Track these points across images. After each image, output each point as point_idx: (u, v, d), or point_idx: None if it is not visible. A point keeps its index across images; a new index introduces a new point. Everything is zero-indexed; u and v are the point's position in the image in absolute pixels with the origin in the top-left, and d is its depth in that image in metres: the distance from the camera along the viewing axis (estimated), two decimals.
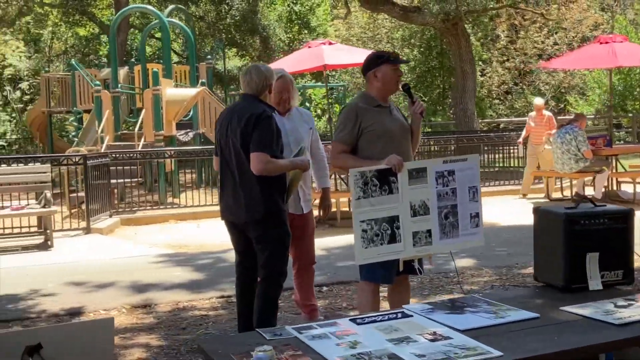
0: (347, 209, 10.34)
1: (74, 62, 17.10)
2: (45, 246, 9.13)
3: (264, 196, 4.42)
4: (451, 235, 4.07)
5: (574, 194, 11.49)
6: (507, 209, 11.19)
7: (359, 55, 10.74)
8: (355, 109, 4.31)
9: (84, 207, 10.68)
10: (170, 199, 12.87)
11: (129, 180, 12.14)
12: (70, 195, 11.79)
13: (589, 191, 11.58)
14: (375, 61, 4.33)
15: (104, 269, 7.68)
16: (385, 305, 4.89)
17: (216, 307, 6.17)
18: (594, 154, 10.90)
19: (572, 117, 11.97)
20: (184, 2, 21.97)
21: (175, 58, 25.82)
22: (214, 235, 9.72)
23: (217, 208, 11.59)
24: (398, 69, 4.34)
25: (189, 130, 15.54)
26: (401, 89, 4.42)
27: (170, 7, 18.67)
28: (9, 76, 27.92)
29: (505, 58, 28.85)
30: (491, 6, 21.07)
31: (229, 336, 4.80)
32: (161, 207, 12.02)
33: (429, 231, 4.02)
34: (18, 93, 28.38)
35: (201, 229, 10.48)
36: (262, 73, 4.56)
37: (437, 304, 3.42)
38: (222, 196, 4.67)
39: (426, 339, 2.86)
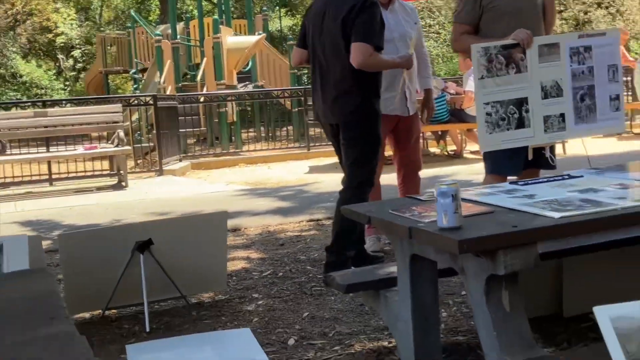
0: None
1: (133, 14, 16.91)
2: (119, 187, 8.91)
3: (357, 93, 3.99)
4: (588, 120, 3.66)
5: None
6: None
7: None
8: None
9: (148, 157, 10.52)
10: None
11: (190, 130, 11.90)
12: (135, 146, 11.62)
13: None
14: None
15: (185, 203, 7.44)
16: None
17: (308, 229, 5.87)
18: None
19: None
20: None
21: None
22: (289, 175, 9.47)
23: (287, 152, 11.46)
24: None
25: (247, 82, 15.26)
26: None
27: None
28: (62, 44, 28.01)
29: (563, 7, 27.90)
30: None
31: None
32: (230, 150, 11.77)
33: (562, 115, 3.61)
34: (71, 61, 28.51)
35: (273, 170, 10.20)
36: None
37: (605, 169, 3.02)
38: (314, 96, 4.25)
39: (616, 188, 2.48)
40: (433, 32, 25.09)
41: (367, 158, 4.08)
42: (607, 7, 25.90)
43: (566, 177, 2.81)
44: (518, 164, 3.79)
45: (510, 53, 3.53)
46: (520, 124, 3.54)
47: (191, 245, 3.68)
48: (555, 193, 2.47)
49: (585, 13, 26.90)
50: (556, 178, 2.79)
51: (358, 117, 4.02)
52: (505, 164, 3.79)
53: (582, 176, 2.79)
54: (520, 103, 3.53)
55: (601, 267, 3.23)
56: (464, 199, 2.44)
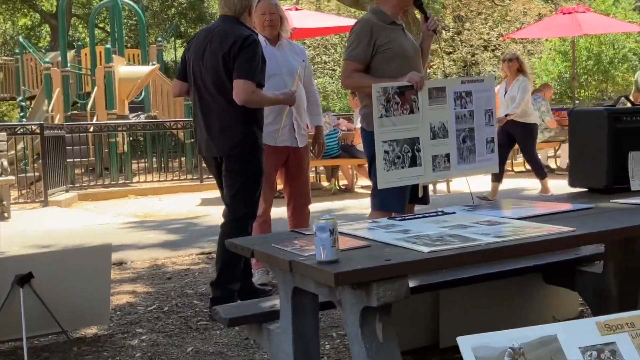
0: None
1: (22, 40, 16.42)
2: (1, 218, 8.58)
3: (240, 126, 4.03)
4: (468, 161, 3.87)
5: None
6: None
7: (330, 20, 10.51)
8: (370, 25, 3.99)
9: (33, 188, 10.19)
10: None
11: (79, 160, 11.61)
12: (19, 175, 11.21)
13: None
14: None
15: (69, 235, 7.25)
16: None
17: (197, 262, 5.85)
18: (558, 124, 10.92)
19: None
20: None
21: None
22: (179, 207, 9.39)
23: (179, 183, 11.30)
24: None
25: (140, 112, 15.06)
26: (413, 4, 4.19)
27: None
28: None
29: (451, 49, 29.09)
30: None
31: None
32: (119, 181, 11.54)
33: (447, 155, 3.80)
34: None
35: (164, 202, 10.09)
36: None
37: (476, 205, 3.21)
38: (197, 128, 4.25)
39: (483, 224, 2.64)
40: (329, 69, 25.60)
41: (249, 190, 4.11)
42: (492, 50, 27.24)
43: (440, 213, 2.96)
44: (404, 200, 3.96)
45: (405, 94, 3.69)
46: (413, 162, 3.69)
47: (73, 279, 3.61)
48: (428, 228, 2.60)
49: (473, 55, 28.18)
50: (431, 214, 2.93)
51: (241, 150, 4.05)
52: (394, 201, 3.93)
53: (454, 213, 2.95)
54: (413, 142, 3.69)
55: (475, 299, 3.41)
56: (343, 233, 2.54)
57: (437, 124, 3.76)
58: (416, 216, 2.93)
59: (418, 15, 4.24)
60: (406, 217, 2.94)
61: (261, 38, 4.65)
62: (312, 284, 2.39)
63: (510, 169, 11.91)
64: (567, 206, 2.94)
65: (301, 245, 2.47)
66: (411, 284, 2.71)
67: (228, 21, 4.11)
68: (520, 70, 7.96)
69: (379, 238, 2.49)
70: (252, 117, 4.07)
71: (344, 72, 4.09)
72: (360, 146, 9.32)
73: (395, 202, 3.95)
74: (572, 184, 3.44)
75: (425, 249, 2.25)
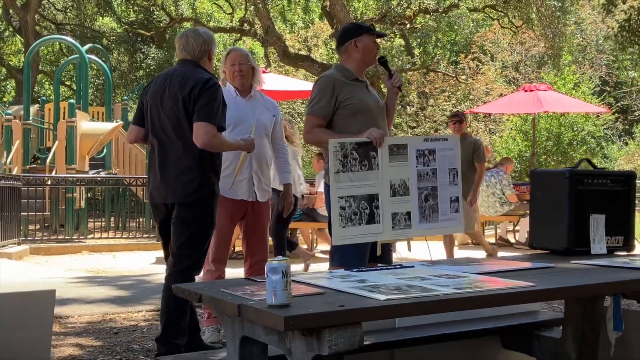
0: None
1: None
2: None
3: (197, 172, 3.91)
4: (430, 220, 3.77)
5: (497, 237, 11.53)
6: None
7: (297, 84, 10.56)
8: (332, 81, 3.97)
9: None
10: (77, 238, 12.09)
11: (33, 213, 11.36)
12: None
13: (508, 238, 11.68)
14: (356, 31, 4.07)
15: (16, 288, 6.97)
16: None
17: (147, 319, 5.65)
18: (518, 198, 11.00)
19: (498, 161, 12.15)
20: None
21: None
22: (133, 265, 9.16)
23: (135, 241, 11.08)
24: (376, 42, 4.12)
25: (100, 169, 14.88)
26: (378, 62, 4.19)
27: (88, 45, 18.09)
28: None
29: (415, 124, 29.56)
30: (408, 67, 21.57)
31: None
32: (74, 237, 11.27)
33: (408, 213, 3.72)
34: None
35: (118, 260, 9.84)
36: (200, 36, 4.08)
37: (436, 262, 3.13)
38: (151, 174, 4.11)
39: (442, 277, 2.56)
40: None
41: (197, 241, 3.97)
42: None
43: (398, 267, 2.88)
44: (364, 257, 3.85)
45: (364, 150, 3.63)
46: (371, 219, 3.60)
47: (11, 326, 3.42)
48: (385, 279, 2.52)
49: (436, 130, 28.64)
50: (389, 267, 2.86)
51: (196, 197, 3.93)
52: (354, 258, 3.79)
53: (413, 266, 2.87)
54: (372, 199, 3.60)
55: (433, 358, 3.30)
56: (297, 281, 2.44)
57: (398, 181, 3.69)
58: (373, 268, 2.85)
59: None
60: (363, 270, 2.85)
61: (231, 88, 4.60)
62: (262, 331, 2.28)
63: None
64: (527, 264, 2.88)
65: (252, 291, 2.36)
66: (366, 341, 2.61)
67: (187, 64, 4.05)
68: None
69: (333, 286, 2.40)
70: (210, 164, 3.97)
71: (306, 127, 4.04)
72: (321, 209, 9.30)
73: (355, 259, 3.83)
74: (532, 245, 3.40)
75: (382, 297, 2.16)
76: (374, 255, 3.94)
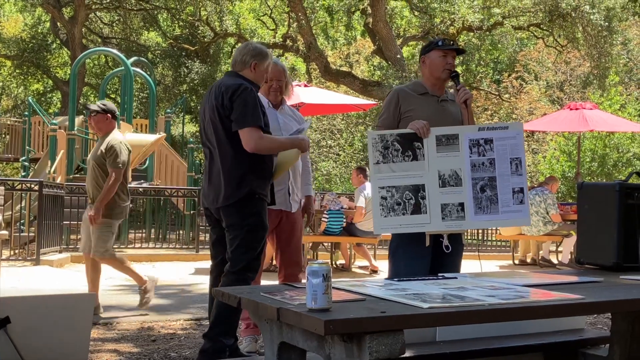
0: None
1: (31, 101, 16.54)
2: None
3: (242, 177, 3.95)
4: (489, 211, 3.63)
5: (539, 258, 11.31)
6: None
7: (338, 97, 10.55)
8: (397, 93, 3.97)
9: (26, 248, 10.04)
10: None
11: (76, 222, 11.47)
12: (14, 234, 11.06)
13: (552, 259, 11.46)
14: (426, 47, 4.05)
15: (56, 292, 7.04)
16: None
17: (186, 327, 5.65)
18: (562, 218, 10.80)
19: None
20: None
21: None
22: (172, 275, 9.19)
23: (174, 252, 11.16)
24: (448, 56, 3.96)
25: (142, 181, 15.02)
26: (449, 77, 4.08)
27: (133, 58, 18.38)
28: None
29: None
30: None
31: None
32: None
33: (461, 204, 3.62)
34: None
35: (158, 270, 9.87)
36: (245, 48, 4.17)
37: (479, 274, 3.06)
38: (204, 183, 4.21)
39: (486, 288, 2.49)
40: (333, 153, 25.76)
41: (252, 243, 3.99)
42: None
43: (440, 277, 2.82)
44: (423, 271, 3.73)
45: (407, 141, 3.61)
46: (417, 209, 3.55)
47: (52, 327, 3.44)
48: (427, 289, 2.46)
49: None
50: (430, 278, 2.80)
51: (242, 201, 3.96)
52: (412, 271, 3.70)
53: (455, 278, 2.81)
54: (417, 189, 3.56)
55: None
56: (337, 288, 2.40)
57: (448, 171, 3.62)
58: (415, 278, 2.79)
59: None
60: (404, 279, 2.80)
61: (264, 100, 4.62)
62: (300, 337, 2.24)
63: (511, 259, 11.75)
64: (574, 278, 2.80)
65: (292, 295, 2.33)
66: (407, 353, 2.55)
67: (229, 75, 4.16)
68: None
69: (374, 293, 2.35)
70: (256, 166, 3.99)
71: None
72: (359, 224, 9.25)
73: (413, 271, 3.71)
74: (579, 260, 3.30)
75: (425, 305, 2.11)
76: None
